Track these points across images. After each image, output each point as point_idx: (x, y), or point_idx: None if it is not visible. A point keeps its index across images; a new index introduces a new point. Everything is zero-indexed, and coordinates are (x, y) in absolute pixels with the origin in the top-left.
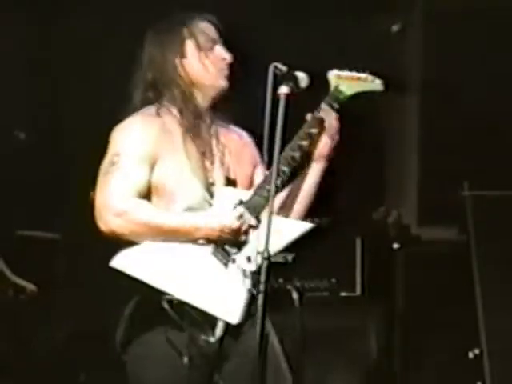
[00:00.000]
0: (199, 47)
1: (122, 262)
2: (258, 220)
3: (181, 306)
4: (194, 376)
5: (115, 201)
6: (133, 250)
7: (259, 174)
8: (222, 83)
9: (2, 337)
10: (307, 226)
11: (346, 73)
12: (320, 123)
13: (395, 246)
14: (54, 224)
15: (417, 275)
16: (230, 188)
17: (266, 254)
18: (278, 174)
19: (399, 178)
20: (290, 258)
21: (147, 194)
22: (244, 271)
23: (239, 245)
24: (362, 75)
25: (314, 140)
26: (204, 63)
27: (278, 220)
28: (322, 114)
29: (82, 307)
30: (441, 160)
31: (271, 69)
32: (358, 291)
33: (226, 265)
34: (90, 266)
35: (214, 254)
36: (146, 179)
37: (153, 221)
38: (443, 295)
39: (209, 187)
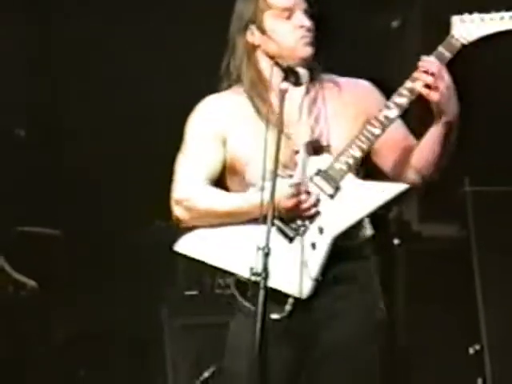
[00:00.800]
0: (275, 18)
1: (186, 246)
2: (337, 188)
3: (248, 285)
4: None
5: (176, 190)
6: (195, 234)
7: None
8: (305, 51)
9: (2, 333)
10: (397, 188)
11: (472, 16)
12: (412, 92)
13: (396, 241)
14: (54, 220)
15: (417, 271)
16: (315, 157)
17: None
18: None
19: None
20: None
21: (223, 174)
22: (313, 245)
23: (311, 216)
24: (494, 15)
25: (405, 108)
26: (283, 34)
27: (362, 184)
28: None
29: (82, 304)
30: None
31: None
32: None
33: (291, 240)
34: (92, 262)
35: (278, 230)
36: (215, 159)
37: (215, 205)
38: (444, 291)
39: (291, 158)
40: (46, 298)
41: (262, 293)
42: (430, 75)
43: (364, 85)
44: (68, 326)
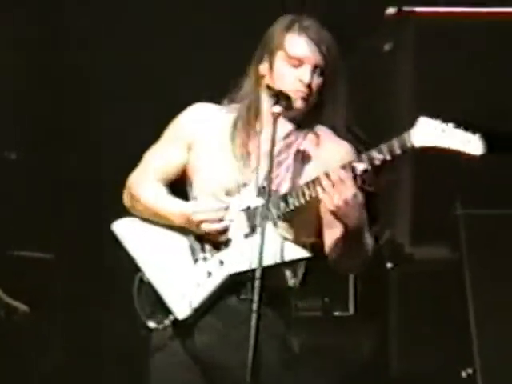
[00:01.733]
0: (286, 61)
1: (121, 228)
2: (252, 229)
3: (148, 288)
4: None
5: (132, 177)
6: (137, 220)
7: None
8: (297, 104)
9: None
10: (300, 253)
11: (435, 124)
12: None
13: (388, 265)
14: (46, 244)
15: (410, 294)
16: (254, 195)
17: (258, 274)
18: (269, 195)
19: (392, 196)
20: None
21: (186, 177)
22: (209, 273)
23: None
24: (456, 131)
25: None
26: (283, 79)
27: (276, 237)
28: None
29: (75, 328)
30: (433, 178)
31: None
32: (351, 310)
33: (195, 261)
34: (85, 287)
35: (191, 246)
36: (176, 161)
37: (147, 201)
38: (436, 314)
39: (235, 187)
40: (39, 322)
41: (254, 317)
42: (328, 180)
43: (344, 148)
44: (60, 349)
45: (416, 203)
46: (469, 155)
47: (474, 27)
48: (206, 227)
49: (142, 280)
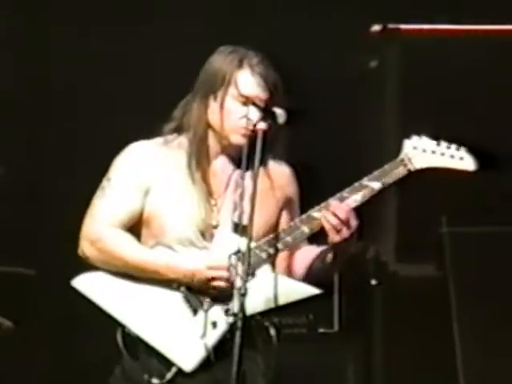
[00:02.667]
0: (231, 97)
1: (86, 283)
2: (252, 275)
3: (137, 341)
4: None
5: (92, 228)
6: (99, 274)
7: (286, 217)
8: (238, 140)
9: None
10: (309, 291)
11: (424, 145)
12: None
13: (373, 282)
14: (29, 260)
15: (395, 311)
16: (234, 234)
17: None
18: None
19: (377, 213)
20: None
21: (137, 226)
22: (214, 323)
23: (223, 295)
24: (446, 150)
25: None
26: (230, 115)
27: (277, 279)
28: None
29: (58, 344)
30: (419, 196)
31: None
32: (336, 327)
33: (195, 312)
34: (66, 302)
35: (186, 298)
36: (133, 208)
37: (125, 253)
38: (421, 332)
39: (207, 229)
40: (22, 338)
41: (238, 334)
42: (336, 218)
43: (287, 172)
44: (44, 365)
45: (401, 220)
46: (463, 172)
47: (460, 44)
48: (217, 284)
49: (124, 334)
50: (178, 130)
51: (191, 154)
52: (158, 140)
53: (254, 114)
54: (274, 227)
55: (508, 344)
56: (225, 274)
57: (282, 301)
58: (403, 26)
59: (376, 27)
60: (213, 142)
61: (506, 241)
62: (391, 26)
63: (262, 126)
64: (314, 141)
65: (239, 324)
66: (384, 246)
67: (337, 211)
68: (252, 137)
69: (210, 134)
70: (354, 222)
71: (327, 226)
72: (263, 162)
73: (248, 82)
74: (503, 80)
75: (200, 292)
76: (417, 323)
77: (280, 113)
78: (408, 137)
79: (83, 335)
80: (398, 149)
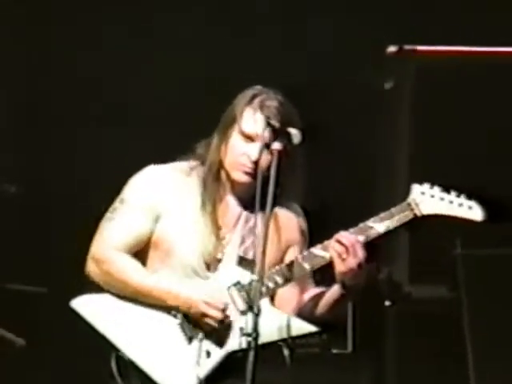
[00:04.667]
0: (239, 134)
1: (84, 304)
2: (250, 307)
3: (130, 366)
4: None
5: (100, 249)
6: (98, 296)
7: (289, 258)
8: (240, 177)
9: None
10: (308, 328)
11: (432, 191)
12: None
13: (387, 303)
14: (40, 277)
15: (408, 333)
16: (238, 268)
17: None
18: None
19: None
20: None
21: (145, 248)
22: (208, 353)
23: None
24: (454, 198)
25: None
26: (233, 151)
27: (277, 313)
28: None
29: (69, 361)
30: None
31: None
32: (350, 348)
33: (190, 340)
34: (77, 320)
35: (181, 325)
36: (142, 232)
37: (129, 277)
38: (434, 353)
39: (213, 261)
40: (34, 355)
41: (252, 353)
42: (341, 245)
43: (294, 218)
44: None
45: (415, 241)
46: (471, 221)
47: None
48: (209, 321)
49: (118, 359)
50: (199, 161)
51: (205, 186)
52: (176, 165)
53: (255, 151)
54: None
55: None
56: (218, 314)
57: (280, 336)
58: (419, 48)
59: (392, 48)
60: (224, 179)
61: None
62: (407, 46)
63: (276, 146)
64: (326, 172)
65: (253, 344)
66: (398, 266)
67: (342, 239)
68: (264, 177)
69: (222, 171)
70: (361, 253)
71: (333, 255)
72: (276, 202)
73: (251, 119)
74: None
75: (195, 324)
76: (430, 344)
77: (295, 133)
78: (419, 182)
79: (89, 353)
80: (408, 189)
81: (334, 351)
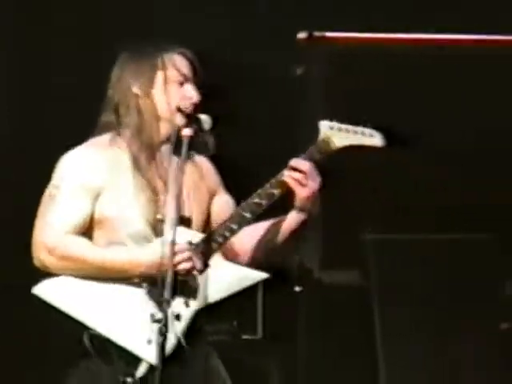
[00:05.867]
0: (167, 80)
1: (47, 290)
2: (206, 265)
3: (104, 342)
4: None
5: (48, 237)
6: (60, 279)
7: (218, 204)
8: (179, 120)
9: None
10: (259, 276)
11: (338, 125)
12: (283, 185)
13: (297, 288)
14: None
15: (318, 319)
16: (181, 228)
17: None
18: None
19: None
20: None
21: (89, 228)
22: (178, 316)
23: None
24: (358, 128)
25: (274, 199)
26: (168, 97)
27: (229, 266)
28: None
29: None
30: (342, 203)
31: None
32: (260, 334)
33: (160, 304)
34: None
35: (149, 293)
36: (85, 213)
37: (85, 256)
38: (344, 338)
39: (156, 224)
40: None
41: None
42: (300, 173)
43: (207, 163)
44: None
45: (326, 227)
46: (373, 148)
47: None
48: (183, 267)
49: (91, 336)
50: (117, 124)
51: (134, 153)
52: (94, 141)
53: (193, 92)
54: (208, 215)
55: (428, 349)
56: (188, 254)
57: (235, 288)
58: (329, 34)
59: (302, 34)
60: (156, 133)
61: (427, 248)
62: (317, 33)
63: (187, 132)
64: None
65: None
66: (308, 252)
67: (299, 166)
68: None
69: (153, 124)
70: (318, 175)
71: (292, 183)
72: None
73: (179, 62)
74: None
75: (162, 285)
76: (340, 329)
77: (205, 119)
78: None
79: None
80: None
81: (244, 337)
